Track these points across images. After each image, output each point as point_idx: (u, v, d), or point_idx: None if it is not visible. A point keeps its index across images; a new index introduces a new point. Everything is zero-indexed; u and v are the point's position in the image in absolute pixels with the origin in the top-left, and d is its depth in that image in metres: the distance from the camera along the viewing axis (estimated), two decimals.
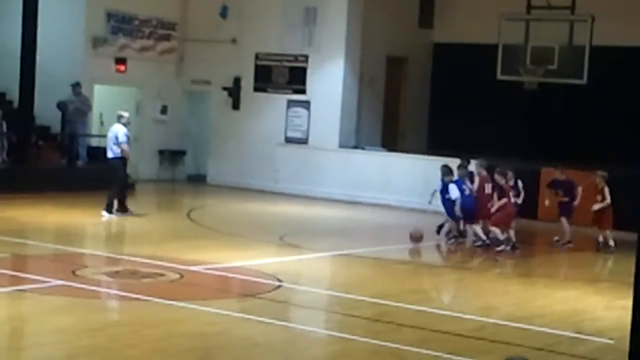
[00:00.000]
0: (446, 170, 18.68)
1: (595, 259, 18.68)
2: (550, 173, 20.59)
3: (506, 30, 26.21)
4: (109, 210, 19.41)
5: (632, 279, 7.02)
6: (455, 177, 18.64)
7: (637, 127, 21.30)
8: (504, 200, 17.94)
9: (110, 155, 19.61)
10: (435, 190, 18.81)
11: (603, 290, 14.85)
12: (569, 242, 18.89)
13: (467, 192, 18.45)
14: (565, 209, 19.04)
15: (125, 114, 20.02)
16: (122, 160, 19.60)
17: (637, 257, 6.97)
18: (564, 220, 18.93)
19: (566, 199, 19.02)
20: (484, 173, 18.67)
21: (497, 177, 18.08)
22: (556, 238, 19.11)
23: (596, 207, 18.63)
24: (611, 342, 11.00)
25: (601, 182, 18.69)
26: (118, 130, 19.51)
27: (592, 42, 25.07)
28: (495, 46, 25.99)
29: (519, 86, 26.15)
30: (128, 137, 19.56)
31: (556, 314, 12.69)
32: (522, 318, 12.11)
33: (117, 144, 19.41)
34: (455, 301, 13.39)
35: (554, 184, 19.39)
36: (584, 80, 25.13)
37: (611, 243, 18.51)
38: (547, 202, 19.66)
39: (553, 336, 11.26)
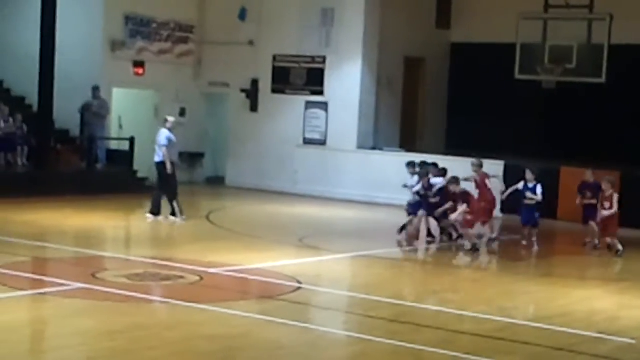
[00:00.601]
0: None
1: (616, 258, 18.58)
2: (570, 172, 20.51)
3: (524, 29, 26.17)
4: (153, 212, 19.50)
5: None
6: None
7: None
8: (465, 205, 17.74)
9: (156, 159, 19.69)
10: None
11: (623, 290, 14.80)
12: (597, 244, 18.59)
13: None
14: (592, 212, 18.69)
15: (171, 119, 20.15)
16: (163, 164, 19.60)
17: None
18: (592, 223, 18.57)
19: (594, 202, 18.70)
20: (481, 172, 18.47)
21: (450, 186, 17.91)
22: (587, 240, 18.84)
23: (605, 213, 18.08)
24: (633, 341, 10.96)
25: (608, 189, 18.16)
26: (161, 134, 19.64)
27: (611, 41, 25.00)
28: (513, 45, 25.95)
29: (537, 85, 26.10)
30: (169, 141, 19.60)
31: (576, 313, 12.65)
32: (542, 318, 12.08)
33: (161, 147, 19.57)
34: (474, 301, 13.36)
35: (583, 187, 19.05)
36: (603, 79, 25.07)
37: (619, 247, 18.09)
38: (577, 202, 19.23)
39: (574, 336, 11.22)
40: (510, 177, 21.20)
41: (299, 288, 13.24)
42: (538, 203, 18.14)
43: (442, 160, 23.48)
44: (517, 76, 26.13)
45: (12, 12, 26.17)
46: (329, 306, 12.81)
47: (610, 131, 25.57)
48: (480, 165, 18.62)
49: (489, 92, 27.30)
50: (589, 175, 19.07)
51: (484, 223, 18.19)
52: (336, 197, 23.66)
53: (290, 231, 18.92)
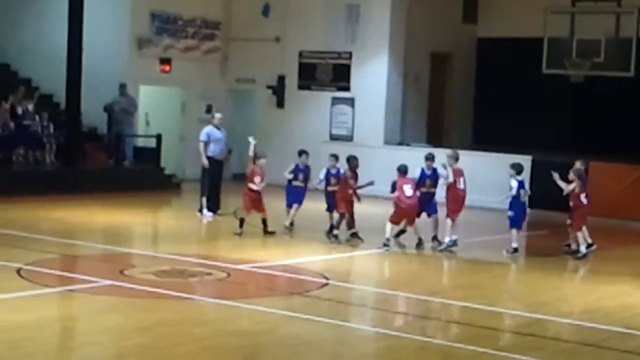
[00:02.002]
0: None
1: None
2: (599, 167, 20.37)
3: (551, 23, 26.05)
4: (201, 210, 19.65)
5: None
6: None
7: None
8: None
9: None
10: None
11: None
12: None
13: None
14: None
15: (217, 115, 20.21)
16: (211, 160, 19.69)
17: None
18: None
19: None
20: (456, 166, 17.74)
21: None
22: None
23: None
24: None
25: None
26: (202, 130, 19.79)
27: (639, 34, 24.82)
28: (541, 40, 25.82)
29: (565, 80, 25.96)
30: (208, 137, 19.69)
31: (605, 309, 12.57)
32: (571, 314, 12.03)
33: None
34: (502, 297, 13.32)
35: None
36: (631, 73, 24.91)
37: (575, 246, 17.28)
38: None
39: (602, 332, 11.15)
40: (538, 172, 21.13)
41: (326, 284, 13.24)
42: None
43: (469, 156, 23.44)
44: (545, 71, 26.00)
45: (39, 10, 26.30)
46: (357, 302, 12.79)
47: (639, 125, 25.38)
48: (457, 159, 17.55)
49: (516, 87, 27.20)
50: (578, 165, 18.54)
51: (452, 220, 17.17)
52: (363, 193, 23.50)
53: (317, 227, 18.89)
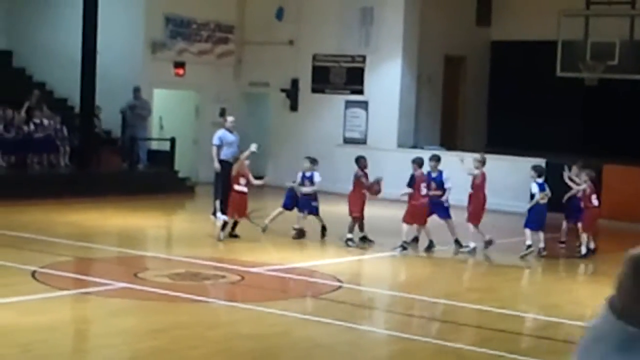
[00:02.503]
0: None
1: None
2: (613, 170, 20.32)
3: (565, 26, 25.97)
4: (215, 213, 19.70)
5: None
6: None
7: None
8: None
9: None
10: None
11: None
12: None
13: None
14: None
15: (230, 118, 20.23)
16: (224, 163, 19.72)
17: None
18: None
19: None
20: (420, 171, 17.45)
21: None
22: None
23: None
24: None
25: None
26: (215, 134, 19.81)
27: None
28: (554, 43, 25.76)
29: (579, 83, 25.89)
30: (221, 140, 19.69)
31: None
32: (585, 316, 11.98)
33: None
34: (516, 300, 13.30)
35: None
36: None
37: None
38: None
39: None
40: (552, 174, 21.05)
41: (339, 287, 13.23)
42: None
43: None
44: (559, 73, 25.93)
45: (53, 14, 26.40)
46: (370, 305, 12.80)
47: None
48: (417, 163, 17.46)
49: (530, 89, 27.15)
50: (575, 169, 18.47)
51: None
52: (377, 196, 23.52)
53: (330, 230, 18.90)
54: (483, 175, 17.55)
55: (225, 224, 17.21)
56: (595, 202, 17.10)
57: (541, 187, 17.06)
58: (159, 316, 11.16)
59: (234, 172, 17.49)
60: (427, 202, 16.90)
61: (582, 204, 17.14)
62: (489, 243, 17.17)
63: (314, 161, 18.05)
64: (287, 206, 18.00)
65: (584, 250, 16.95)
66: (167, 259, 15.40)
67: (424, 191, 16.84)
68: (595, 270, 16.95)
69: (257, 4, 27.82)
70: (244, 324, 10.93)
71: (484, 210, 17.37)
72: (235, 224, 17.38)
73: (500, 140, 26.64)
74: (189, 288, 12.74)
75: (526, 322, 11.57)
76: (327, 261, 15.43)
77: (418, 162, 17.18)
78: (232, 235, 17.29)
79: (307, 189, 17.69)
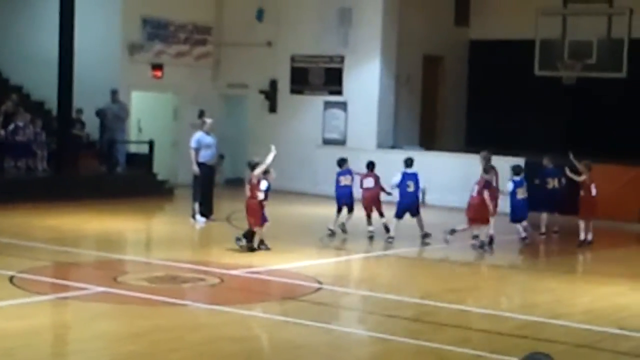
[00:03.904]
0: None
1: (638, 254, 18.49)
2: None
3: (543, 25, 26.04)
4: (194, 215, 19.67)
5: None
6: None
7: None
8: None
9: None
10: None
11: None
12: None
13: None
14: (557, 196, 19.37)
15: (208, 120, 20.21)
16: (202, 166, 19.71)
17: None
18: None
19: (557, 187, 19.35)
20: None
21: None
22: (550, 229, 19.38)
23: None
24: None
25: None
26: (193, 136, 19.81)
27: (631, 35, 24.84)
28: (532, 42, 25.82)
29: (557, 81, 25.96)
30: (199, 143, 19.71)
31: (599, 310, 12.57)
32: (565, 315, 12.02)
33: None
34: (496, 299, 13.30)
35: (545, 173, 19.52)
36: (624, 74, 24.91)
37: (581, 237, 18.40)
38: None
39: (596, 333, 11.15)
40: (531, 173, 21.15)
41: (319, 288, 13.21)
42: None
43: (462, 158, 23.45)
44: (537, 72, 25.99)
45: (30, 17, 26.28)
46: (350, 306, 12.78)
47: (631, 126, 25.40)
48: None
49: (509, 89, 27.21)
50: (546, 161, 19.41)
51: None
52: (357, 197, 23.50)
53: (310, 232, 18.88)
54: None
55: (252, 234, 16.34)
56: (594, 191, 18.07)
57: (519, 183, 18.00)
58: (138, 320, 11.10)
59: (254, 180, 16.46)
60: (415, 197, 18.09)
61: (582, 193, 18.21)
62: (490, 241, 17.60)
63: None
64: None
65: (582, 236, 18.05)
66: (146, 263, 15.34)
67: (411, 188, 17.92)
68: (574, 269, 17.02)
69: (234, 5, 27.76)
70: (224, 326, 10.89)
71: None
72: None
73: (479, 139, 26.66)
74: (169, 291, 12.69)
75: (506, 322, 11.57)
76: (307, 263, 15.40)
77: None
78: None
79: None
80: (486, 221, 17.33)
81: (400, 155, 24.44)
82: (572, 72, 25.91)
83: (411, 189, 18.01)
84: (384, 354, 10.15)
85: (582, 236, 18.10)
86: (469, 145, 27.00)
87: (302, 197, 25.06)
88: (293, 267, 14.91)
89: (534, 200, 18.41)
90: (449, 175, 23.63)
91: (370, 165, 18.84)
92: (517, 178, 18.23)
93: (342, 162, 19.13)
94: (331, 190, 23.96)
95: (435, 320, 11.58)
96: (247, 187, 16.38)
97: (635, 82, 24.95)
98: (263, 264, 14.97)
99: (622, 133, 25.33)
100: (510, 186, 18.15)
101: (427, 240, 17.96)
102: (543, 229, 19.21)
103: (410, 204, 18.03)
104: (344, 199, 18.68)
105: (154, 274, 13.84)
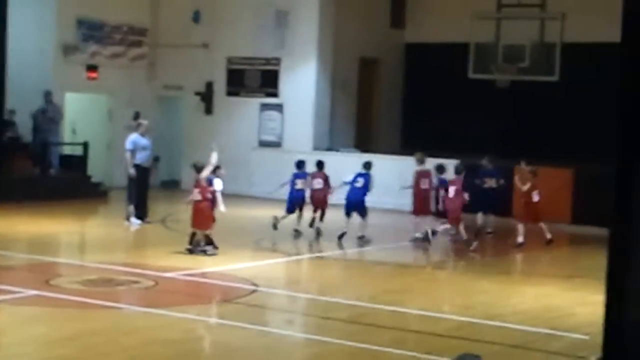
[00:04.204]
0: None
1: (570, 255, 18.75)
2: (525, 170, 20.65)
3: (477, 29, 26.30)
4: (128, 218, 19.53)
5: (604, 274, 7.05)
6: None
7: (609, 123, 21.39)
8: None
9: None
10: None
11: (577, 286, 14.89)
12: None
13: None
14: (492, 196, 20.00)
15: (143, 122, 20.12)
16: (138, 168, 19.58)
17: (609, 253, 7.00)
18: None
19: (494, 186, 19.95)
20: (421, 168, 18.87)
21: None
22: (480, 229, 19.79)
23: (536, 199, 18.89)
24: (586, 337, 11.03)
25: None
26: (127, 139, 19.71)
27: (563, 39, 25.19)
28: (467, 45, 26.07)
29: (492, 84, 26.22)
30: (134, 145, 19.61)
31: (531, 311, 12.73)
32: (498, 316, 12.14)
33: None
34: (431, 301, 13.39)
35: (481, 174, 20.02)
36: (556, 77, 25.24)
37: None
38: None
39: (529, 333, 11.28)
40: (465, 175, 21.38)
41: (255, 291, 13.19)
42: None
43: (398, 160, 23.58)
44: (471, 75, 26.24)
45: None
46: (285, 308, 12.77)
47: (563, 128, 25.76)
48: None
49: (444, 91, 27.42)
50: (485, 162, 19.86)
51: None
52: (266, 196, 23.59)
53: (246, 234, 18.85)
54: (422, 173, 18.86)
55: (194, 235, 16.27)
56: (535, 198, 18.48)
57: (443, 183, 18.52)
58: (71, 323, 10.99)
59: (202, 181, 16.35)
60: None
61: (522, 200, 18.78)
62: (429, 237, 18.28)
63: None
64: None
65: (520, 239, 18.38)
66: (80, 266, 15.18)
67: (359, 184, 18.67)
68: (507, 270, 17.19)
69: (170, 7, 27.61)
70: (158, 329, 10.82)
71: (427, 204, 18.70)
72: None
73: (415, 142, 26.80)
74: (103, 294, 12.58)
75: (441, 323, 11.66)
76: (242, 265, 15.36)
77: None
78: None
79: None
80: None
81: (336, 158, 24.60)
82: (506, 75, 26.19)
83: (359, 184, 18.53)
84: (320, 356, 10.16)
85: (519, 239, 18.33)
86: (405, 147, 27.14)
87: (238, 199, 24.95)
88: (228, 270, 14.87)
89: (471, 200, 18.64)
90: (385, 177, 23.70)
91: (320, 165, 19.11)
92: (442, 176, 18.64)
93: (300, 164, 19.52)
94: (267, 192, 23.99)
95: (371, 322, 11.63)
96: (196, 190, 16.29)
97: (567, 85, 25.31)
98: (198, 266, 14.91)
99: (555, 135, 25.66)
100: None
101: (363, 242, 18.13)
102: (488, 229, 19.56)
103: (355, 201, 18.44)
104: (297, 203, 18.91)
105: (87, 276, 13.71)
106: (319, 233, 18.69)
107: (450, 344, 10.63)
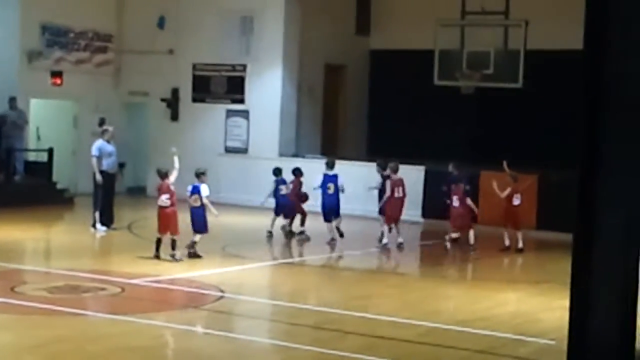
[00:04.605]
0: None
1: (536, 260, 18.89)
2: (489, 176, 20.76)
3: (442, 36, 26.39)
4: (94, 224, 19.47)
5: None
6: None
7: (572, 129, 21.54)
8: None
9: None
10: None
11: (544, 291, 15.00)
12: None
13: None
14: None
15: (109, 128, 20.09)
16: (103, 174, 19.53)
17: (573, 258, 7.07)
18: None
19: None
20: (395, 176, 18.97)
21: None
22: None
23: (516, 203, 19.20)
24: (552, 342, 11.11)
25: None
26: (94, 145, 19.77)
27: (527, 46, 25.35)
28: (432, 52, 26.16)
29: (456, 91, 26.34)
30: (100, 151, 19.57)
31: (498, 316, 12.80)
32: (466, 322, 12.20)
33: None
34: (399, 307, 13.44)
35: (449, 180, 19.94)
36: (520, 84, 25.39)
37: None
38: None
39: (495, 339, 11.35)
40: (430, 181, 21.51)
41: (221, 297, 13.18)
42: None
43: (363, 167, 23.62)
44: (436, 82, 26.34)
45: None
46: (253, 314, 12.76)
47: (528, 135, 25.94)
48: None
49: (409, 98, 27.51)
50: (451, 168, 19.89)
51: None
52: (259, 205, 23.57)
53: (212, 240, 18.80)
54: (396, 182, 19.03)
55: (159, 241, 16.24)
56: (516, 202, 18.96)
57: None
58: (37, 331, 10.92)
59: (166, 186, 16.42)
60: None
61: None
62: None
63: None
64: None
65: (507, 242, 18.98)
66: (45, 272, 15.10)
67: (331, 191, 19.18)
68: (474, 275, 17.29)
69: (136, 13, 27.52)
70: (125, 336, 10.78)
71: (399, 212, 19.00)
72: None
73: (381, 148, 26.91)
74: (69, 301, 12.52)
75: (408, 329, 11.70)
76: (209, 271, 15.34)
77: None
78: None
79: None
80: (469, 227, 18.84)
81: (301, 164, 24.57)
82: (471, 81, 26.30)
83: (331, 190, 19.03)
84: None
85: (506, 242, 18.93)
86: (371, 153, 27.21)
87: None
88: (195, 276, 14.84)
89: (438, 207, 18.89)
90: (352, 183, 23.72)
91: (297, 172, 19.89)
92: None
93: (278, 171, 20.02)
94: (233, 198, 24.00)
95: (340, 328, 11.65)
96: (163, 196, 16.30)
97: (530, 92, 25.48)
98: (164, 272, 14.87)
99: (518, 142, 25.82)
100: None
101: (333, 244, 18.37)
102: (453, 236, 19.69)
103: (331, 205, 18.94)
104: (285, 208, 19.60)
105: (53, 283, 13.64)
106: (291, 235, 19.26)
107: (419, 349, 10.68)
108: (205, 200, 16.48)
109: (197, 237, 16.47)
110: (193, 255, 16.32)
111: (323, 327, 11.62)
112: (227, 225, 20.45)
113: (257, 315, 12.74)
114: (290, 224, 19.60)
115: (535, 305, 13.83)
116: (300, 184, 19.87)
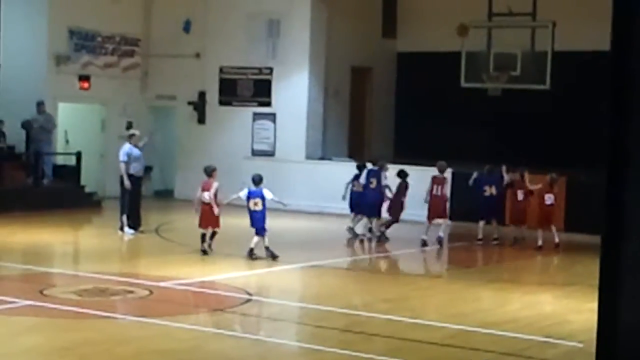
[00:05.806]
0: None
1: (565, 262, 18.80)
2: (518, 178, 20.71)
3: (469, 37, 26.33)
4: (122, 227, 19.57)
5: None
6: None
7: (600, 130, 21.45)
8: None
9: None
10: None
11: (572, 294, 14.93)
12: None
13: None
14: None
15: (136, 132, 20.25)
16: (131, 178, 19.64)
17: (601, 260, 7.02)
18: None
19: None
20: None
21: None
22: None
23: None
24: (580, 345, 11.06)
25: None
26: (121, 149, 19.80)
27: (554, 47, 25.25)
28: (458, 54, 26.12)
29: (483, 93, 26.28)
30: (128, 156, 19.66)
31: (526, 318, 12.75)
32: (493, 324, 12.16)
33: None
34: (425, 309, 13.42)
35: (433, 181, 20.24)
36: (547, 86, 25.30)
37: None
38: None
39: (523, 341, 11.30)
40: (457, 183, 21.47)
41: (249, 300, 13.20)
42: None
43: (391, 169, 23.58)
44: (463, 84, 26.29)
45: None
46: (280, 317, 12.77)
47: (555, 136, 25.84)
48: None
49: (436, 100, 27.48)
50: (485, 170, 20.33)
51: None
52: (285, 208, 23.61)
53: (239, 243, 18.84)
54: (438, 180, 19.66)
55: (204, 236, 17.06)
56: (548, 201, 19.52)
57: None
58: (66, 334, 10.98)
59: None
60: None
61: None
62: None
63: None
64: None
65: (556, 239, 19.47)
66: (74, 275, 15.18)
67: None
68: (501, 278, 17.23)
69: (163, 17, 27.65)
70: (153, 339, 10.82)
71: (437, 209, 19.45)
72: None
73: (407, 150, 26.90)
74: (97, 304, 12.58)
75: (435, 331, 11.68)
76: (236, 274, 15.38)
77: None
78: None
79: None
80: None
81: (329, 167, 24.65)
82: (498, 83, 26.23)
83: (373, 185, 19.64)
84: None
85: (539, 242, 19.25)
86: (397, 156, 27.19)
87: (230, 208, 24.96)
88: (222, 279, 14.88)
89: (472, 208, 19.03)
90: None
91: (402, 175, 20.18)
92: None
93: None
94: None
95: (366, 331, 11.64)
96: (205, 193, 16.64)
97: (557, 94, 25.38)
98: (192, 275, 14.92)
99: (547, 143, 25.73)
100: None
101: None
102: (480, 236, 19.73)
103: (373, 202, 19.64)
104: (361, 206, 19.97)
105: (82, 286, 13.70)
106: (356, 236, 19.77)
107: (445, 352, 10.66)
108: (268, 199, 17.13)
109: (258, 240, 16.74)
110: (271, 255, 16.71)
111: (349, 330, 11.62)
112: (251, 229, 20.50)
113: (284, 318, 12.75)
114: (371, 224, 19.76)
115: (563, 307, 13.77)
116: (406, 187, 19.90)
